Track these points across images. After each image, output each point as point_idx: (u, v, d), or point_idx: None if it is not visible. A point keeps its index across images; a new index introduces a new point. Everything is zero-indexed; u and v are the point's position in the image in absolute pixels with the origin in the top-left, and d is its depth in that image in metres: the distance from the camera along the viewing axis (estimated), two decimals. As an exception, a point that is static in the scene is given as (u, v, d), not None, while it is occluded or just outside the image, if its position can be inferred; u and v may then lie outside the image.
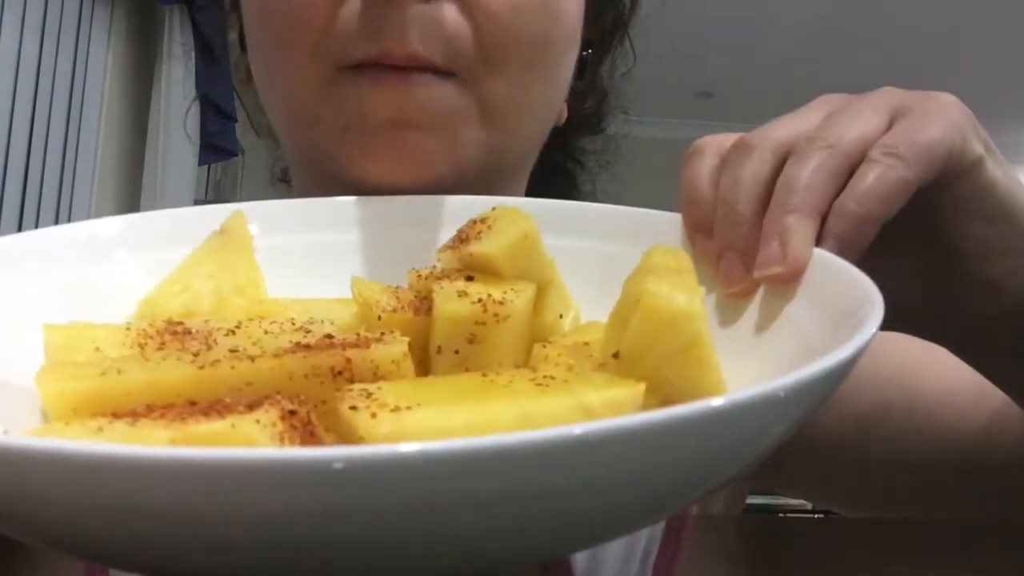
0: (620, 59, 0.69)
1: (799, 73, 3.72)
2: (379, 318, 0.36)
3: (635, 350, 0.30)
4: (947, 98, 0.37)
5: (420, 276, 0.39)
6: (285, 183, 0.73)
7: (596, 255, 0.42)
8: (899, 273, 0.38)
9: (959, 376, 0.55)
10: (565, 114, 0.61)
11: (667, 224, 0.41)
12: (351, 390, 0.26)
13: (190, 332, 0.32)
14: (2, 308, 0.34)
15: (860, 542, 0.50)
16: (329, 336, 0.32)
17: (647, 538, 0.53)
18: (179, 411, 0.24)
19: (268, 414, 0.23)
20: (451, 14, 0.48)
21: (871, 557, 0.47)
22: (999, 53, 3.65)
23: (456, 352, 0.33)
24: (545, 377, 0.28)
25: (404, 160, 0.48)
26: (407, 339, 0.30)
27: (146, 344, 0.32)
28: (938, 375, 0.56)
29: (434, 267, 0.39)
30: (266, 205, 0.45)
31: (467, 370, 0.33)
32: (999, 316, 0.39)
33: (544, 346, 0.34)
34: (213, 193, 3.67)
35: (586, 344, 0.34)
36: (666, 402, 0.30)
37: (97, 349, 0.31)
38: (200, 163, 2.79)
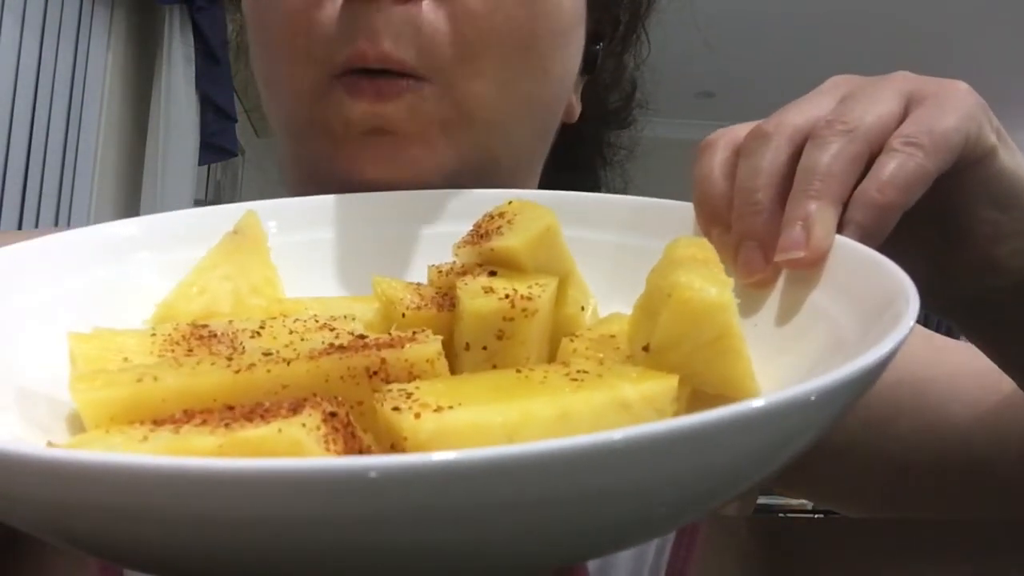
0: (639, 54, 0.68)
1: (799, 73, 3.71)
2: (403, 316, 0.36)
3: (666, 342, 0.30)
4: (961, 86, 0.37)
5: (440, 272, 0.39)
6: None
7: (607, 246, 0.42)
8: (907, 252, 0.38)
9: (966, 374, 0.55)
10: (578, 110, 0.60)
11: (679, 213, 0.41)
12: (390, 390, 0.26)
13: (215, 335, 0.32)
14: (20, 314, 0.34)
15: (860, 542, 0.50)
16: (361, 336, 0.32)
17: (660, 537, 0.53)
18: (220, 417, 0.24)
19: (311, 417, 0.23)
20: (427, 15, 0.48)
21: (871, 557, 0.47)
22: (1000, 53, 3.65)
23: (484, 348, 0.33)
24: (579, 372, 0.28)
25: (388, 165, 0.48)
26: (440, 338, 0.30)
27: (173, 350, 0.32)
28: (946, 374, 0.56)
29: (453, 263, 0.39)
30: (276, 204, 0.45)
31: (495, 366, 0.33)
32: (1004, 292, 0.40)
33: (571, 340, 0.34)
34: (213, 193, 3.67)
35: (612, 336, 0.34)
36: (697, 393, 0.30)
37: (125, 358, 0.31)
38: (200, 163, 2.79)
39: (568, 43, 0.55)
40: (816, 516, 2.50)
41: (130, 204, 2.67)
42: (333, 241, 0.45)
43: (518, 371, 0.29)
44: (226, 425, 0.23)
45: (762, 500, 2.99)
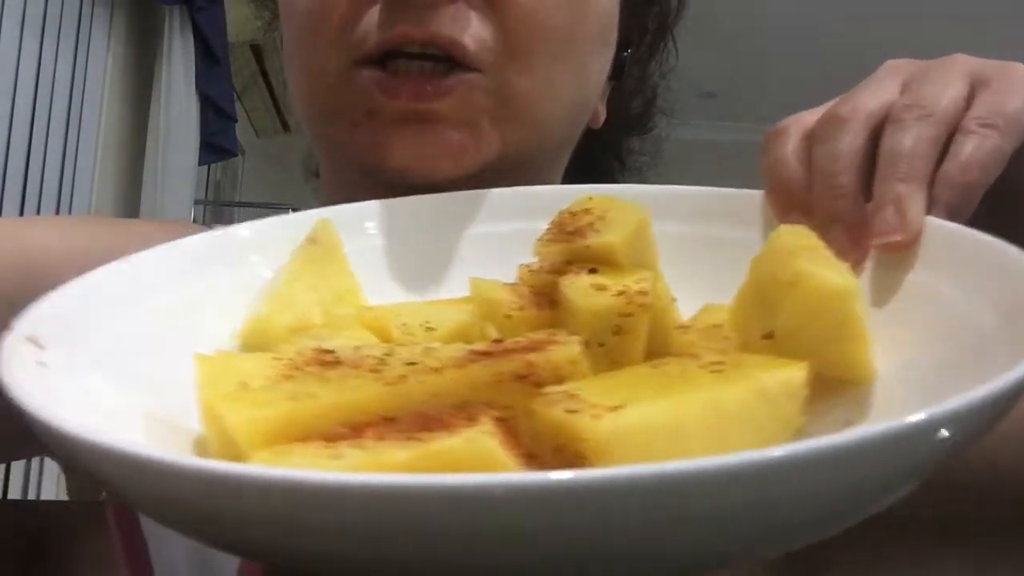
0: (665, 60, 0.69)
1: (800, 73, 3.71)
2: (508, 317, 0.36)
3: (790, 329, 0.31)
4: (1020, 68, 0.39)
5: (532, 271, 0.39)
6: (317, 177, 0.74)
7: (671, 236, 0.42)
8: (983, 230, 0.39)
9: None
10: (603, 116, 0.61)
11: (742, 201, 0.41)
12: (550, 393, 0.26)
13: (340, 361, 0.31)
14: (138, 328, 0.34)
15: (861, 541, 0.50)
16: (497, 341, 0.31)
17: None
18: (386, 430, 0.24)
19: (490, 425, 0.24)
20: (475, 12, 0.48)
21: (872, 556, 0.47)
22: (1001, 53, 3.65)
23: (601, 345, 0.33)
24: (712, 363, 0.29)
25: (422, 154, 0.48)
26: (579, 338, 0.30)
27: (293, 376, 0.31)
28: None
29: (540, 262, 0.39)
30: (341, 210, 0.44)
31: (613, 362, 0.33)
32: None
33: (683, 331, 0.35)
34: (213, 193, 3.67)
35: (718, 327, 0.35)
36: (819, 377, 0.30)
37: (243, 383, 0.30)
38: (200, 163, 2.79)
39: (604, 47, 0.55)
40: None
41: (130, 204, 2.67)
42: (393, 246, 0.44)
43: (653, 366, 0.29)
44: (406, 438, 0.23)
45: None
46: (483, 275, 0.40)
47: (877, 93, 0.38)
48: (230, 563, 0.48)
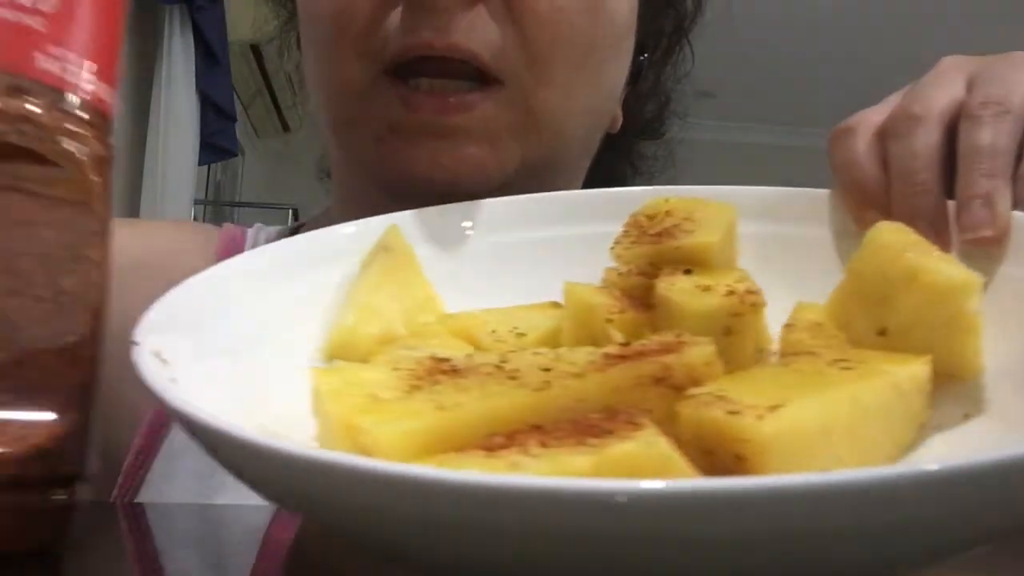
0: (682, 66, 0.69)
1: (800, 73, 3.72)
2: (609, 320, 0.35)
3: (905, 325, 0.31)
4: None
5: (620, 274, 0.39)
6: (330, 177, 0.74)
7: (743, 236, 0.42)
8: None
9: None
10: (620, 121, 0.61)
11: (808, 201, 0.42)
12: (697, 395, 0.26)
13: (457, 370, 0.31)
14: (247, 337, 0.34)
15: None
16: (624, 344, 0.31)
17: None
18: (542, 437, 0.23)
19: (656, 428, 0.24)
20: (495, 20, 0.48)
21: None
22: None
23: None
24: (837, 361, 0.29)
25: (444, 167, 0.48)
26: (710, 338, 0.30)
27: (419, 387, 0.30)
28: None
29: (623, 265, 0.39)
30: (405, 216, 0.44)
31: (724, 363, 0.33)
32: None
33: (790, 331, 0.35)
34: (213, 193, 3.67)
35: (820, 324, 0.35)
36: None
37: (374, 395, 0.30)
38: (200, 163, 2.79)
39: (622, 53, 0.56)
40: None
41: (130, 204, 2.67)
42: (468, 250, 0.44)
43: (784, 364, 0.30)
44: (577, 443, 0.23)
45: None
46: (543, 280, 0.40)
47: (945, 90, 0.39)
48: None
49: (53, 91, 0.27)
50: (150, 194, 2.59)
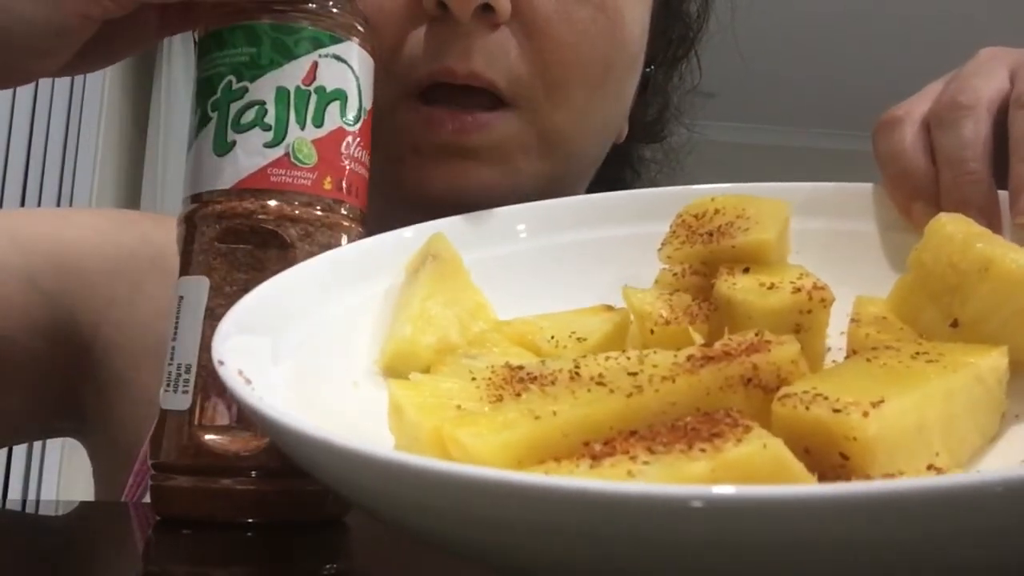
0: (688, 74, 0.69)
1: (800, 73, 3.72)
2: (652, 332, 0.35)
3: (979, 315, 0.31)
4: None
5: (675, 275, 0.38)
6: None
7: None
8: None
9: None
10: (626, 131, 0.61)
11: (850, 196, 0.41)
12: (793, 394, 0.26)
13: (534, 377, 0.31)
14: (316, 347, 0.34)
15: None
16: (705, 345, 0.31)
17: None
18: (656, 442, 0.23)
19: (761, 429, 0.23)
20: (516, 42, 0.48)
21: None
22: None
23: None
24: (918, 354, 0.29)
25: (462, 188, 0.49)
26: (792, 336, 0.30)
27: (501, 395, 0.30)
28: None
29: (675, 266, 0.38)
30: (449, 223, 0.43)
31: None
32: None
33: (857, 326, 0.34)
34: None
35: (885, 318, 0.35)
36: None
37: (459, 405, 0.30)
38: (200, 163, 2.79)
39: (636, 69, 0.56)
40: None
41: (130, 204, 2.67)
42: (501, 257, 0.44)
43: (867, 360, 0.29)
44: (688, 447, 0.22)
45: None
46: (587, 282, 0.40)
47: (990, 79, 0.39)
48: None
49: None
50: (150, 194, 2.59)
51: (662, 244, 0.40)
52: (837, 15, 3.47)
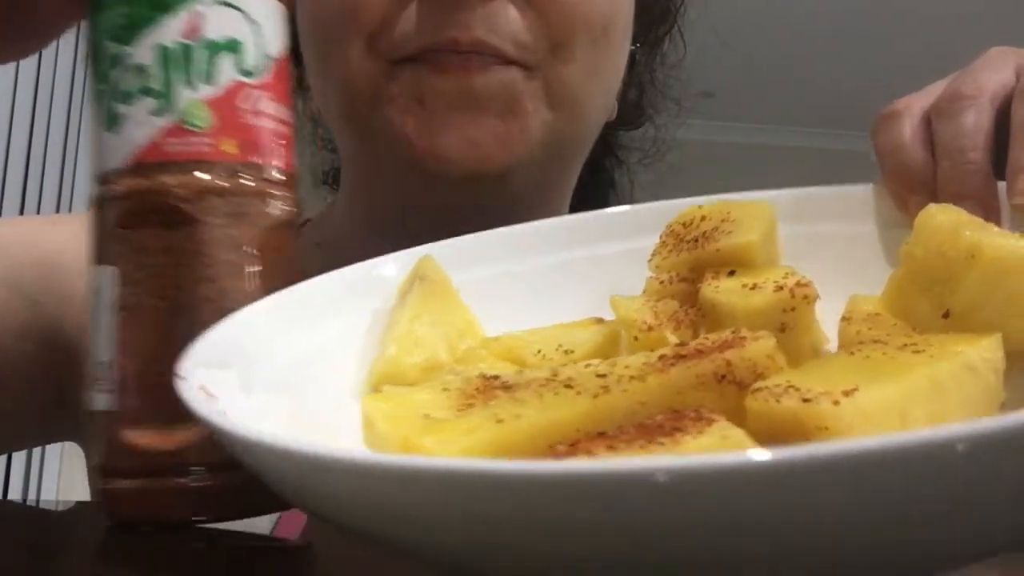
0: (671, 52, 0.70)
1: (799, 73, 3.72)
2: (636, 339, 0.35)
3: (970, 304, 0.30)
4: None
5: (662, 282, 0.38)
6: (327, 185, 0.74)
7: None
8: None
9: None
10: (616, 111, 0.61)
11: (846, 199, 0.41)
12: (766, 388, 0.25)
13: (509, 386, 0.30)
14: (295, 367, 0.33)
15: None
16: (680, 344, 0.31)
17: None
18: (620, 441, 0.23)
19: (726, 421, 0.23)
20: (514, 8, 0.49)
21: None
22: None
23: None
24: (906, 345, 0.28)
25: (473, 141, 0.49)
26: (769, 332, 0.30)
27: (472, 404, 0.29)
28: None
29: (663, 275, 0.38)
30: (438, 247, 0.43)
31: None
32: None
33: (848, 323, 0.34)
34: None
35: (878, 315, 0.34)
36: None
37: (427, 415, 0.29)
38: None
39: (628, 37, 0.57)
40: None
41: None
42: (490, 278, 0.43)
43: (850, 353, 0.29)
44: (648, 442, 0.22)
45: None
46: (578, 300, 0.40)
47: (995, 74, 0.39)
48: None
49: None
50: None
51: (651, 255, 0.40)
52: (837, 15, 3.47)
